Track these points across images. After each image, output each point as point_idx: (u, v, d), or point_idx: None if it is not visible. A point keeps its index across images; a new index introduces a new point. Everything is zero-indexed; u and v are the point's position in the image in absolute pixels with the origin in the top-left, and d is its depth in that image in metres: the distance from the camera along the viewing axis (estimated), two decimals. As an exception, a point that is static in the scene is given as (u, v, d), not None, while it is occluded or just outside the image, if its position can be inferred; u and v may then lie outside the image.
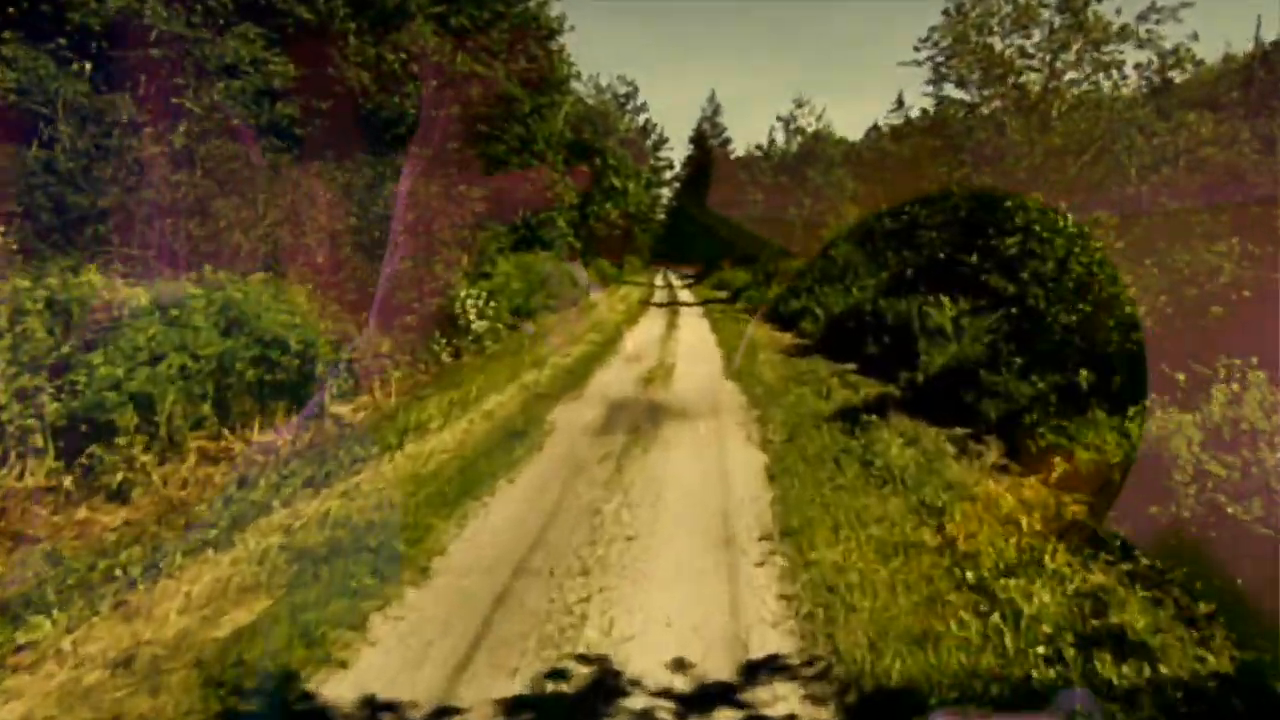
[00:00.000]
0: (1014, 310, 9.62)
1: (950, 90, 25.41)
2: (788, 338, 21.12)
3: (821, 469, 8.27)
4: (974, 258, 10.78)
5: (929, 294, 14.46)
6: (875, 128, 45.05)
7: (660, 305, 36.08)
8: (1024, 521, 5.93)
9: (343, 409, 11.63)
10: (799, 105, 44.68)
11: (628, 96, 60.01)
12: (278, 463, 8.68)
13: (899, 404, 10.56)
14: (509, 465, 8.89)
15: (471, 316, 17.71)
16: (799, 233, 36.92)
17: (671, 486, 8.07)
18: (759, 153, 49.68)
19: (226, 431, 9.21)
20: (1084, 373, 8.34)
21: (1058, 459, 7.06)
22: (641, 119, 62.90)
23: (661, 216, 71.68)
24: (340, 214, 16.01)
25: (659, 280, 60.72)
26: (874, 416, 9.90)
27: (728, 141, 66.04)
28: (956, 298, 13.27)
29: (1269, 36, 30.26)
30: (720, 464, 8.91)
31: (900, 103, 45.05)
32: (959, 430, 8.96)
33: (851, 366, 14.82)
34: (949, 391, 10.34)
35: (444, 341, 16.89)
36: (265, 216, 14.48)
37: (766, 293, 31.52)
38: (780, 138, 47.42)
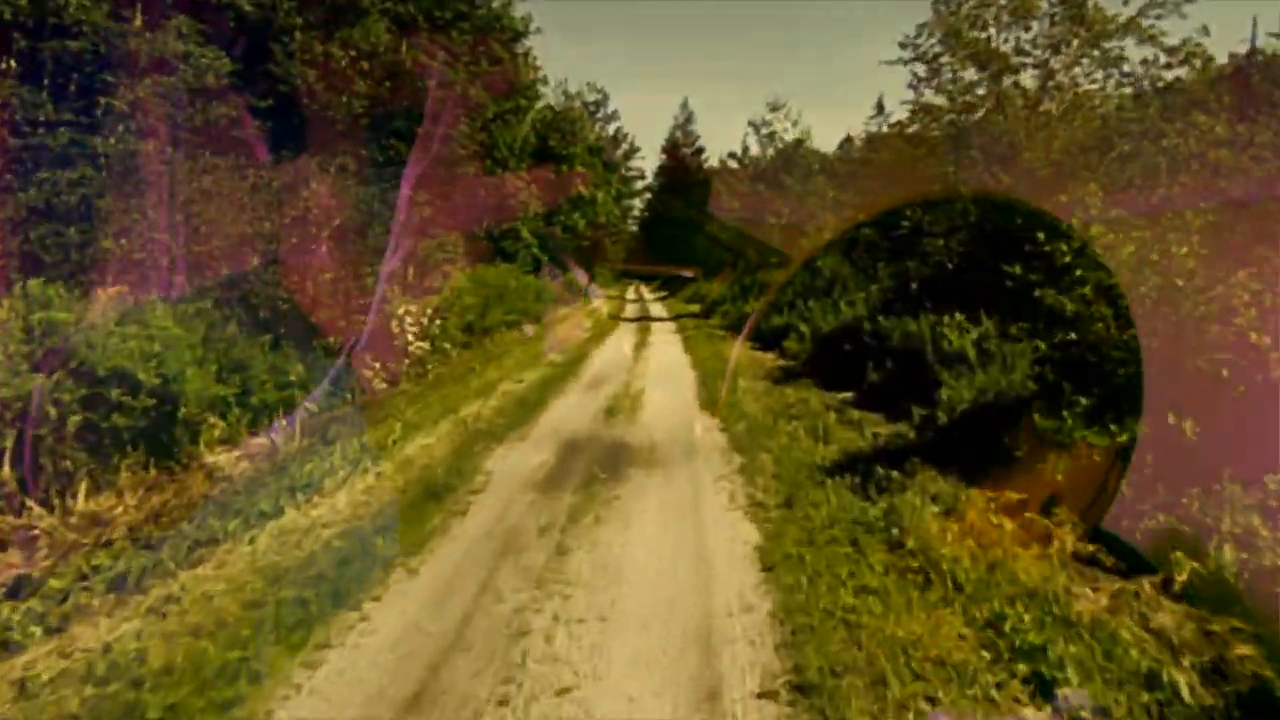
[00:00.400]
0: (1071, 335, 7.54)
1: (930, 96, 23.75)
2: (769, 359, 18.99)
3: (835, 555, 6.08)
4: (1017, 268, 8.72)
5: (936, 312, 12.40)
6: (848, 139, 42.97)
7: (630, 320, 33.96)
8: (1181, 682, 3.77)
9: (224, 457, 9.30)
10: (774, 109, 42.47)
11: (597, 104, 58.09)
12: (93, 548, 6.36)
13: (920, 451, 8.42)
14: (415, 545, 6.62)
15: (410, 337, 15.41)
16: (777, 243, 34.97)
17: (630, 584, 5.83)
18: (733, 161, 47.61)
19: (32, 502, 6.86)
20: (1172, 418, 6.24)
21: (1179, 554, 4.94)
22: (612, 128, 60.99)
23: (633, 228, 69.70)
24: (251, 218, 13.70)
25: (630, 293, 58.67)
26: (893, 471, 7.72)
27: (701, 150, 64.06)
28: (977, 317, 11.21)
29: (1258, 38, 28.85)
30: (697, 543, 6.68)
31: (880, 108, 43.36)
32: (1011, 495, 6.81)
33: (848, 396, 12.69)
34: (983, 435, 8.23)
35: (377, 366, 14.61)
36: (147, 219, 12.14)
37: (743, 306, 29.49)
38: (754, 145, 45.44)
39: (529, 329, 24.32)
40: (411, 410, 11.89)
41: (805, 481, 8.06)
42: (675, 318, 35.28)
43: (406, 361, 15.22)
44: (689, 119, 64.77)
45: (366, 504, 7.65)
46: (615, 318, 34.13)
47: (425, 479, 8.52)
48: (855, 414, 10.99)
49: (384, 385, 14.79)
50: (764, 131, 42.83)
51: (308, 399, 11.57)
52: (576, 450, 10.21)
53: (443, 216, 20.43)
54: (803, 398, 12.72)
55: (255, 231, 13.65)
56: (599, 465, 9.37)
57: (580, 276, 41.98)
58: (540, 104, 42.11)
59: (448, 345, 17.85)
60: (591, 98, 57.12)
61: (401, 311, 15.65)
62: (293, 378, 11.66)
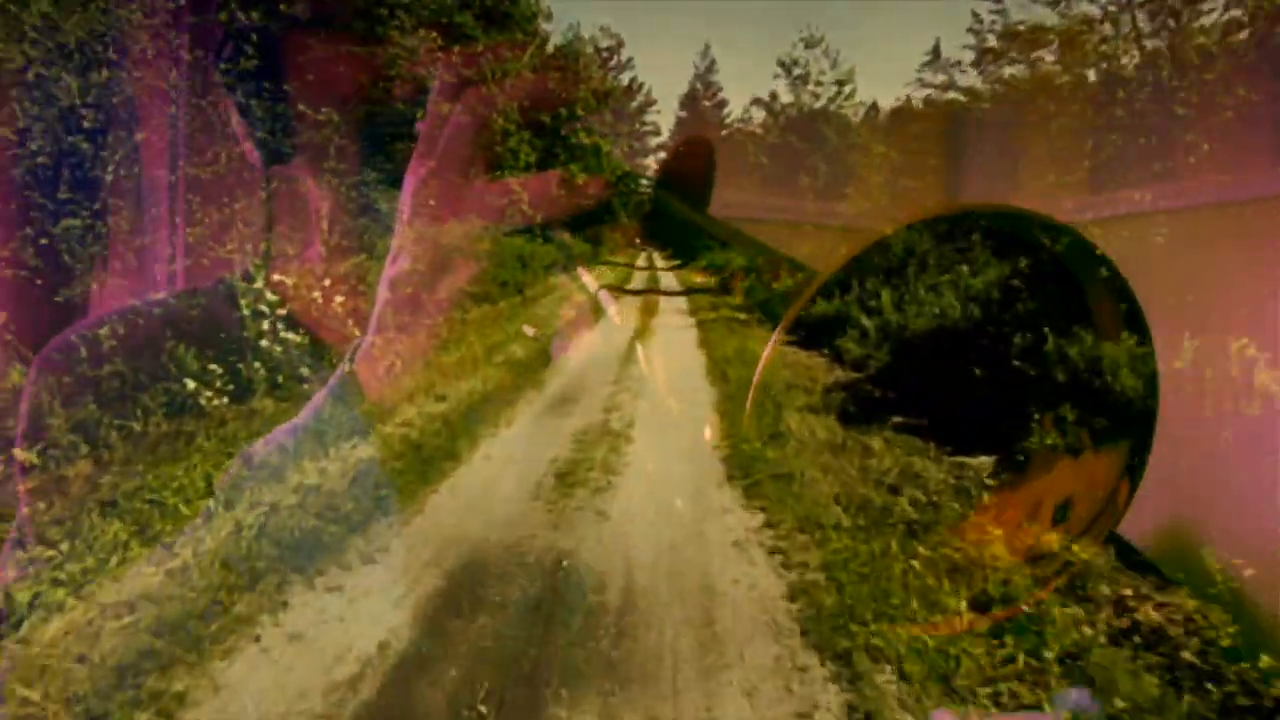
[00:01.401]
0: None
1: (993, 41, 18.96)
2: (818, 364, 13.35)
3: None
4: None
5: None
6: (874, 107, 35.89)
7: (633, 294, 28.41)
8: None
9: None
10: (809, 45, 36.01)
11: (610, 50, 52.07)
12: None
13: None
14: None
15: (265, 327, 9.84)
16: (811, 205, 29.22)
17: None
18: (758, 109, 41.41)
19: None
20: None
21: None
22: (626, 78, 55.07)
23: (647, 188, 64.07)
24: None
25: (641, 262, 53.13)
26: None
27: (723, 103, 58.03)
28: None
29: None
30: None
31: (936, 54, 37.03)
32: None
33: (986, 465, 7.11)
34: None
35: (205, 380, 9.07)
36: None
37: (771, 284, 23.89)
38: (784, 92, 39.25)
39: (529, 330, 18.33)
40: (177, 483, 6.30)
41: None
42: (688, 292, 29.76)
43: (259, 366, 9.65)
44: (710, 67, 58.51)
45: None
46: (613, 290, 28.61)
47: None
48: (1065, 544, 5.44)
49: (220, 405, 9.28)
50: (795, 73, 36.70)
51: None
52: (465, 608, 4.69)
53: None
54: (910, 469, 7.13)
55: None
56: (494, 679, 3.88)
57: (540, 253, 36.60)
58: (545, 44, 36.52)
59: (357, 333, 12.32)
60: (605, 43, 51.22)
61: (259, 284, 10.03)
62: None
